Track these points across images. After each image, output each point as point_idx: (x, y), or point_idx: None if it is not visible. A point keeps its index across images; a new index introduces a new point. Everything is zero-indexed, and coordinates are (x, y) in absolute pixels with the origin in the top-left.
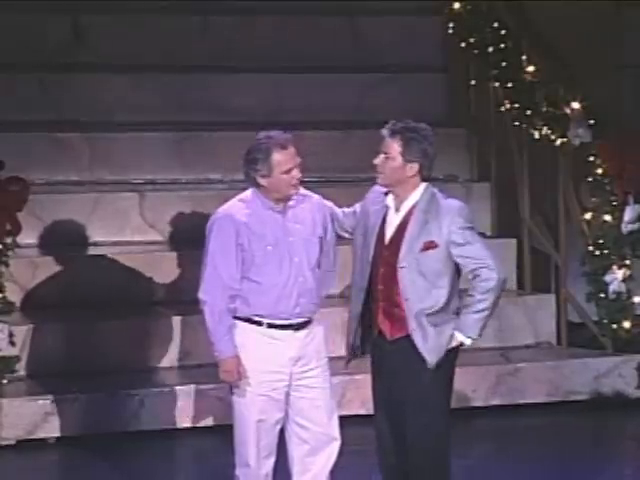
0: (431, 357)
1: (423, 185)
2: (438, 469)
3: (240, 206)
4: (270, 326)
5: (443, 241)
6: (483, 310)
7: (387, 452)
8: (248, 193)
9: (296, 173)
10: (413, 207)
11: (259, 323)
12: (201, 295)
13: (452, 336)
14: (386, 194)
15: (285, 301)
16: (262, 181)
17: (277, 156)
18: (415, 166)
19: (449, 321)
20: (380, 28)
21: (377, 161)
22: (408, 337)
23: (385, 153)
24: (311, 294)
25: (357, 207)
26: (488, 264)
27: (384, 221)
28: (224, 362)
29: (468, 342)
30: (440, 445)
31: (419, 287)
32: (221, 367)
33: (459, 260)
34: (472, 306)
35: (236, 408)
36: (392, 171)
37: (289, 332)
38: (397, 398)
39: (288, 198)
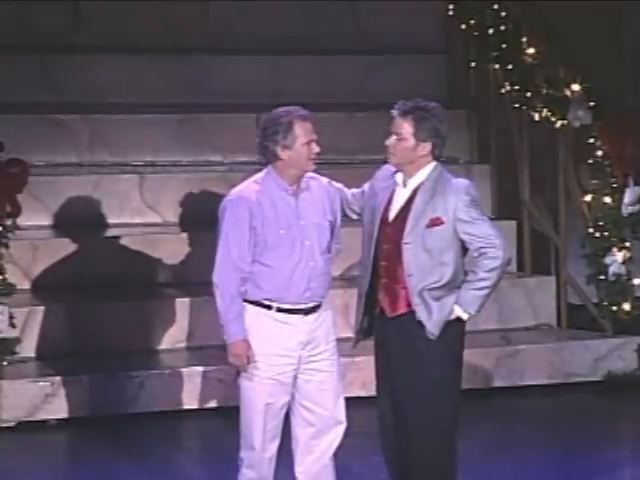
0: (435, 329)
1: (432, 164)
2: (442, 448)
3: (254, 188)
4: (280, 310)
5: (449, 218)
6: (485, 288)
7: (389, 433)
8: (261, 174)
9: (315, 147)
10: (420, 185)
11: (269, 307)
12: (214, 278)
13: (452, 309)
14: (395, 172)
15: (296, 285)
16: (283, 154)
17: (298, 127)
18: (427, 145)
19: (451, 294)
20: (380, 10)
21: (389, 142)
22: (408, 314)
23: (397, 134)
24: (321, 278)
25: (365, 187)
26: (495, 243)
27: (391, 198)
28: (234, 345)
29: (465, 317)
30: (445, 424)
31: (423, 263)
32: (230, 351)
33: (465, 237)
34: (474, 283)
35: (243, 391)
36: (404, 151)
37: (299, 316)
38: (399, 377)
39: (303, 175)
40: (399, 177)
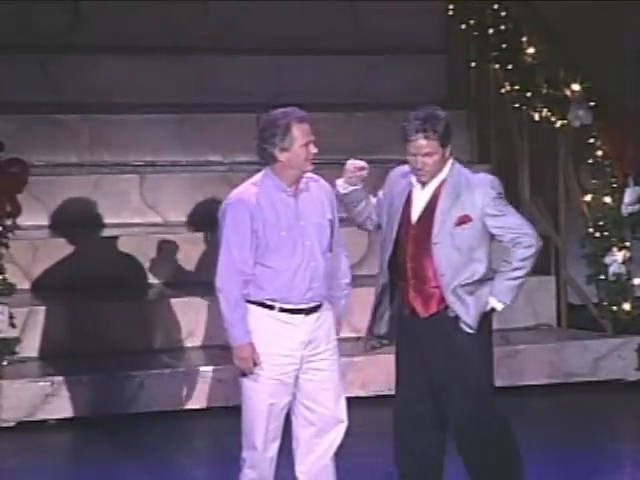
0: (474, 323)
1: (450, 161)
2: (503, 441)
3: (253, 190)
4: (282, 310)
5: (477, 214)
6: (519, 278)
7: (407, 436)
8: (259, 176)
9: (312, 148)
10: (441, 183)
11: (271, 307)
12: (217, 282)
13: (487, 301)
14: (407, 173)
15: (298, 285)
16: (281, 156)
17: (296, 129)
18: (449, 147)
19: (485, 286)
20: (380, 10)
21: (420, 165)
22: (441, 312)
23: (426, 154)
24: (323, 278)
25: (380, 194)
26: (528, 232)
27: (409, 200)
28: (239, 349)
29: (500, 307)
30: (490, 412)
31: (455, 262)
32: (236, 354)
33: (496, 231)
34: (508, 273)
35: (246, 392)
36: (436, 165)
37: (300, 316)
38: (441, 376)
39: (302, 176)
40: (415, 179)
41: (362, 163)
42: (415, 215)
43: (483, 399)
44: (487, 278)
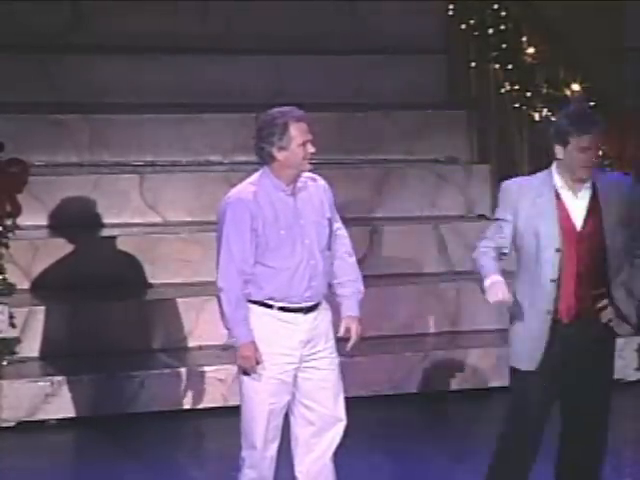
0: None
1: None
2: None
3: (251, 190)
4: (281, 309)
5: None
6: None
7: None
8: (257, 176)
9: (310, 147)
10: (592, 187)
11: (270, 306)
12: (218, 282)
13: None
14: (532, 181)
15: (297, 284)
16: (279, 155)
17: (294, 129)
18: None
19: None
20: (380, 9)
21: (592, 163)
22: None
23: (598, 148)
24: (322, 277)
25: (508, 216)
26: None
27: (563, 207)
28: (243, 348)
29: None
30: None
31: (619, 262)
32: (239, 353)
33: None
34: None
35: (246, 391)
36: (596, 161)
37: (299, 315)
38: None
39: (300, 175)
40: (562, 185)
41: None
42: (579, 224)
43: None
44: None
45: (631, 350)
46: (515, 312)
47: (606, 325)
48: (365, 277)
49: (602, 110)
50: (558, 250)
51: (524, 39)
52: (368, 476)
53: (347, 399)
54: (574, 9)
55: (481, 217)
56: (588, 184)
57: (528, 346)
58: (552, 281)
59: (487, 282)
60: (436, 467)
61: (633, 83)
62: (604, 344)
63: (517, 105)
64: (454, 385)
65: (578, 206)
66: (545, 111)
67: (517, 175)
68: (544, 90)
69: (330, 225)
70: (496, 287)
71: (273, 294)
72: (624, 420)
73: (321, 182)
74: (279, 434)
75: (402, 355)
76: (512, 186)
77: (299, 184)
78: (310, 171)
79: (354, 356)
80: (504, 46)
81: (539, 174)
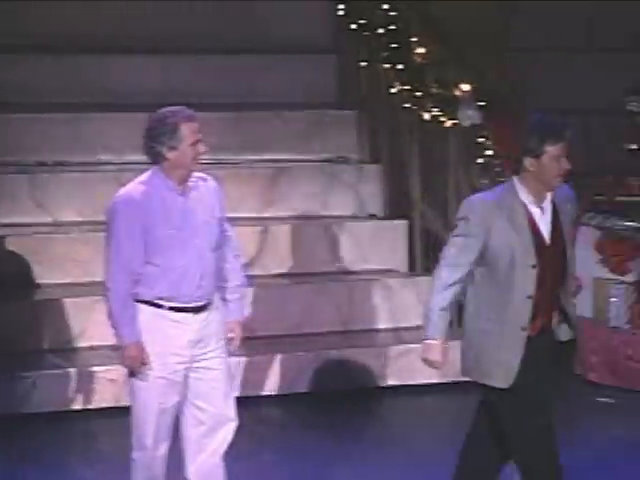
0: None
1: None
2: None
3: (141, 189)
4: (171, 309)
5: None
6: None
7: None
8: (147, 175)
9: (201, 147)
10: (551, 201)
11: (160, 306)
12: (106, 281)
13: None
14: (494, 199)
15: (187, 284)
16: (169, 155)
17: (185, 128)
18: None
19: None
20: (270, 10)
21: (566, 166)
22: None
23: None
24: (212, 276)
25: (472, 242)
26: None
27: (532, 222)
28: (128, 348)
29: None
30: None
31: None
32: (125, 353)
33: None
34: None
35: (136, 392)
36: None
37: (189, 315)
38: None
39: (190, 175)
40: (529, 199)
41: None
42: (547, 237)
43: None
44: None
45: None
46: (481, 329)
47: (554, 334)
48: (256, 277)
49: (491, 110)
50: (534, 266)
51: (414, 39)
52: (259, 476)
53: (238, 399)
54: (462, 9)
55: (372, 217)
56: (549, 197)
57: (502, 363)
58: (528, 297)
59: (430, 341)
60: (326, 466)
61: (519, 83)
62: (557, 353)
63: (407, 105)
64: (345, 385)
65: (544, 221)
66: (435, 111)
67: (407, 175)
68: (434, 90)
69: (221, 225)
70: (436, 349)
71: (163, 294)
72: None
73: (212, 182)
74: (170, 434)
75: (293, 355)
76: (483, 203)
77: (190, 184)
78: (201, 171)
79: (245, 356)
80: (394, 46)
81: (498, 190)
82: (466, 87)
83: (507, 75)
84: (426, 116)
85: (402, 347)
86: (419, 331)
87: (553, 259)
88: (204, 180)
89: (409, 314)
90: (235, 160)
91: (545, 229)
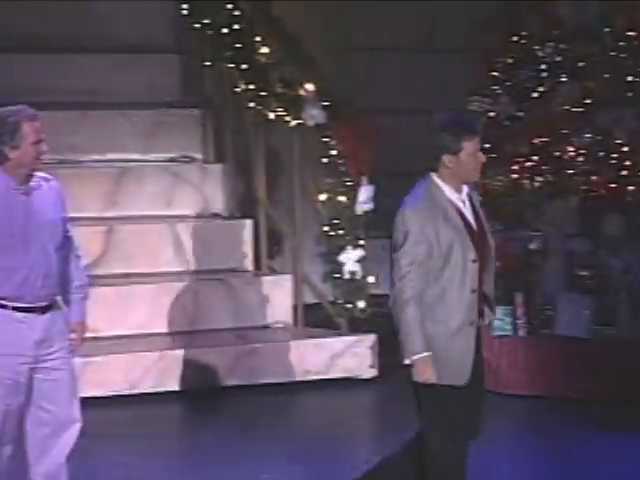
0: None
1: None
2: None
3: None
4: (15, 309)
5: None
6: None
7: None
8: None
9: (43, 146)
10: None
11: (4, 306)
12: None
13: None
14: (418, 193)
15: (31, 284)
16: (11, 154)
17: (27, 127)
18: None
19: None
20: (115, 10)
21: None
22: None
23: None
24: (56, 277)
25: (415, 229)
26: None
27: (460, 213)
28: None
29: None
30: None
31: None
32: None
33: None
34: None
35: None
36: None
37: (34, 315)
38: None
39: (32, 174)
40: (451, 192)
41: None
42: (474, 225)
43: None
44: None
45: (365, 347)
46: (439, 328)
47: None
48: (101, 277)
49: (336, 109)
50: (475, 261)
51: (258, 39)
52: (104, 476)
53: (83, 399)
54: (305, 9)
55: (216, 216)
56: (465, 189)
57: (457, 361)
58: (473, 292)
59: (417, 356)
60: (176, 464)
61: (363, 83)
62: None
63: (252, 104)
64: (190, 384)
65: (468, 212)
66: (280, 110)
67: (252, 174)
68: (278, 89)
69: (64, 225)
70: (428, 364)
71: (7, 294)
72: (359, 415)
73: (54, 182)
74: (15, 435)
75: (138, 354)
76: (416, 212)
77: (32, 183)
78: (44, 171)
79: (90, 356)
80: (238, 46)
81: (420, 191)
82: (310, 87)
83: (351, 75)
84: (271, 116)
85: (247, 347)
86: (264, 330)
87: (485, 252)
88: (47, 180)
89: (254, 313)
90: (79, 159)
91: (472, 221)
